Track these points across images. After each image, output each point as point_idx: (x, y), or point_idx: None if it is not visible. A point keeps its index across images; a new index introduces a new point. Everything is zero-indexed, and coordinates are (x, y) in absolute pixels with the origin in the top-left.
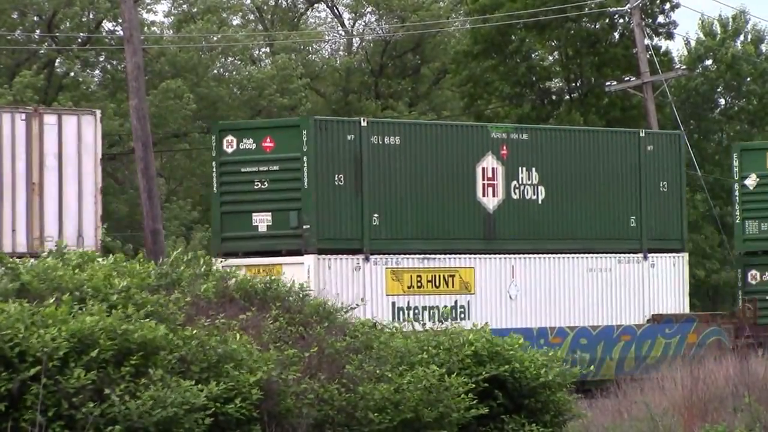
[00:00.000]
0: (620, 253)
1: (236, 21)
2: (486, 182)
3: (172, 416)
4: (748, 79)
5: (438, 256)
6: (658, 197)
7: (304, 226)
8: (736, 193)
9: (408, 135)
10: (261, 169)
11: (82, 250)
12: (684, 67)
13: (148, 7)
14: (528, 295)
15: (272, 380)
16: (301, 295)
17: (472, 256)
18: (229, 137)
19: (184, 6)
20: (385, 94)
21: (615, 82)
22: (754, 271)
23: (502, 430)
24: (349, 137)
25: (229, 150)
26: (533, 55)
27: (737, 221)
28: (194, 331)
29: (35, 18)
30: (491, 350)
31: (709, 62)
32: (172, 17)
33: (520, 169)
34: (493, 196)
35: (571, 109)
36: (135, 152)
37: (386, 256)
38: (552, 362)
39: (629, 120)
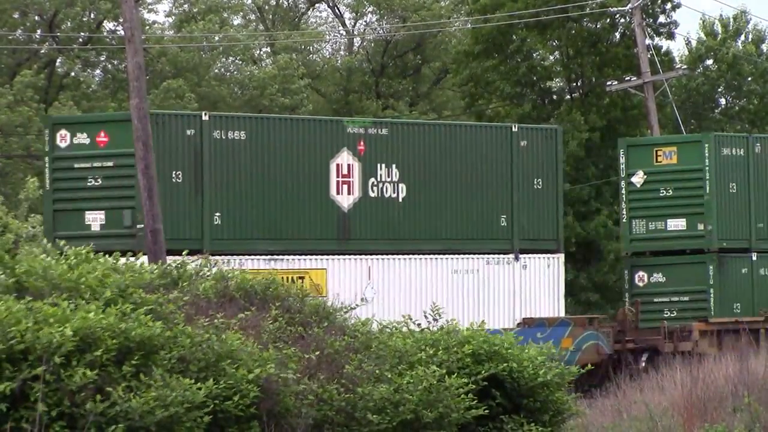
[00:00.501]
0: (489, 253)
1: (237, 21)
2: (341, 179)
3: (172, 415)
4: (749, 78)
5: (286, 257)
6: (532, 195)
7: (138, 226)
8: (623, 191)
9: (254, 130)
10: (95, 165)
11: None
12: (685, 66)
13: (149, 6)
14: (386, 297)
15: (271, 379)
16: (300, 296)
17: (325, 257)
18: (63, 131)
19: (185, 6)
20: (386, 94)
21: (616, 82)
22: (641, 273)
23: (501, 430)
24: (188, 132)
25: (63, 145)
26: (534, 55)
27: (624, 220)
28: (193, 330)
29: (36, 18)
30: (489, 349)
31: (709, 62)
32: (173, 17)
33: (378, 165)
34: (349, 194)
35: (572, 109)
36: (135, 152)
37: (229, 257)
38: (551, 361)
39: (630, 120)
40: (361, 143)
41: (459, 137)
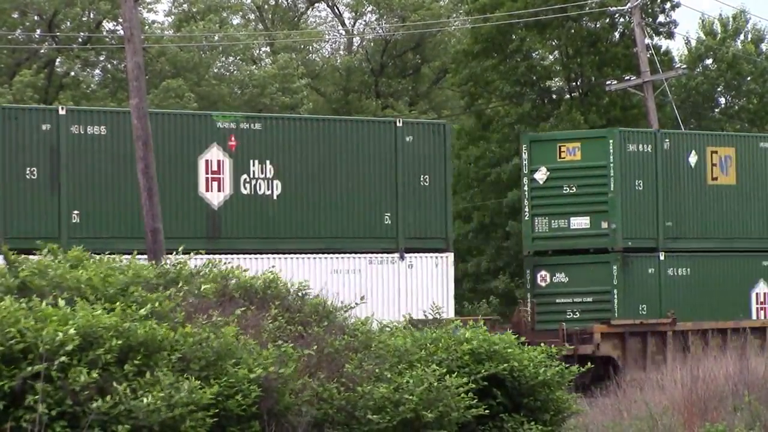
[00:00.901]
0: (372, 252)
1: (236, 20)
2: (210, 176)
3: (177, 416)
4: (749, 78)
5: None
6: (418, 192)
7: None
8: (525, 188)
9: (116, 124)
10: None
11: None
12: (684, 66)
13: (149, 6)
14: None
15: (270, 377)
16: (300, 294)
17: (193, 256)
18: None
19: (185, 5)
20: (386, 94)
21: (615, 82)
22: (543, 272)
23: (501, 429)
24: (44, 127)
25: None
26: (534, 55)
27: (526, 218)
28: (193, 329)
29: (36, 17)
30: (489, 349)
31: (709, 61)
32: (173, 16)
33: (251, 161)
34: (219, 191)
35: (571, 109)
36: (136, 151)
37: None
38: (551, 361)
39: (629, 119)
40: (233, 138)
41: (339, 132)
